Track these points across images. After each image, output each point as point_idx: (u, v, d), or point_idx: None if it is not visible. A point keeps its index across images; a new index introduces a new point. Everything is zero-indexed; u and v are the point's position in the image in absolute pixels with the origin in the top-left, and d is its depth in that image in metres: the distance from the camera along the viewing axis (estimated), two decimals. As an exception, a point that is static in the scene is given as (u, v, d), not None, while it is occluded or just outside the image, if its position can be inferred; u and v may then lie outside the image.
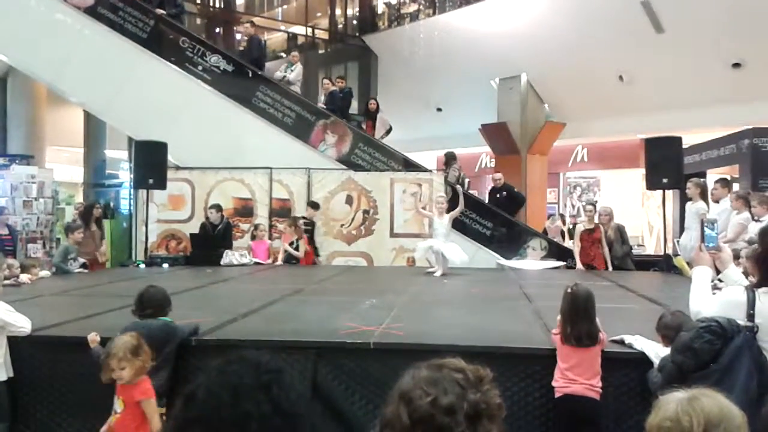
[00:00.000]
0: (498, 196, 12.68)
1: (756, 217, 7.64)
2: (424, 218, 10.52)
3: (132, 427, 3.72)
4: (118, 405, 3.77)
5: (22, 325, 4.50)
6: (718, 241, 3.57)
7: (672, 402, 1.62)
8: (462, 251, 9.06)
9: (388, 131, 13.80)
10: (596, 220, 9.87)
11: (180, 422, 1.19)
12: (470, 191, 12.88)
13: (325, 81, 13.91)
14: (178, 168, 11.68)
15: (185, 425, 1.18)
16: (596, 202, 13.98)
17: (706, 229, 3.56)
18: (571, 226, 12.05)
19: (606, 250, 9.69)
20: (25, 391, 4.51)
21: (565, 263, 10.73)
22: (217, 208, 10.78)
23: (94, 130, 16.39)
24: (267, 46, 16.08)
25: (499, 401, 1.27)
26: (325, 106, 12.73)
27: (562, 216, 14.16)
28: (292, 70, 12.94)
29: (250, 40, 13.19)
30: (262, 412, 1.15)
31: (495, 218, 11.76)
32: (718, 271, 3.60)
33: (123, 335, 3.82)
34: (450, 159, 13.04)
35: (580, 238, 9.84)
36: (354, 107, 14.73)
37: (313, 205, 11.23)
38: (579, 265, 9.76)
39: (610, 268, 9.60)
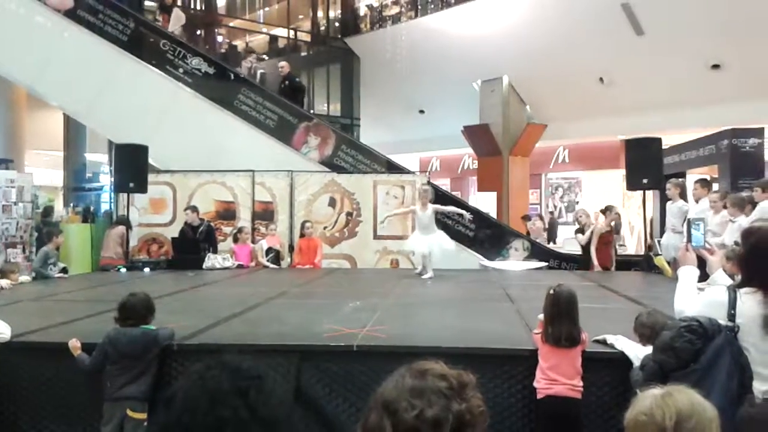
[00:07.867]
0: (282, 86, 12.96)
1: (730, 218, 7.69)
2: (407, 215, 10.35)
3: None
4: None
5: (2, 331, 4.44)
6: (704, 241, 3.58)
7: (647, 397, 1.72)
8: (449, 238, 9.05)
9: (184, 26, 13.85)
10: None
11: (158, 427, 1.18)
12: (293, 86, 13.19)
13: None
14: (159, 171, 11.59)
15: (163, 430, 1.17)
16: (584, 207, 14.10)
17: (692, 229, 3.57)
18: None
19: (613, 251, 10.07)
20: (6, 398, 4.44)
21: (547, 264, 10.77)
22: (193, 208, 10.58)
23: (74, 134, 16.27)
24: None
25: (482, 409, 1.27)
26: None
27: (527, 217, 14.12)
28: None
29: None
30: (239, 417, 1.14)
31: (479, 220, 11.79)
32: (703, 271, 3.61)
33: None
34: (247, 52, 14.53)
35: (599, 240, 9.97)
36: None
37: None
38: (597, 267, 9.80)
39: (614, 268, 9.93)
